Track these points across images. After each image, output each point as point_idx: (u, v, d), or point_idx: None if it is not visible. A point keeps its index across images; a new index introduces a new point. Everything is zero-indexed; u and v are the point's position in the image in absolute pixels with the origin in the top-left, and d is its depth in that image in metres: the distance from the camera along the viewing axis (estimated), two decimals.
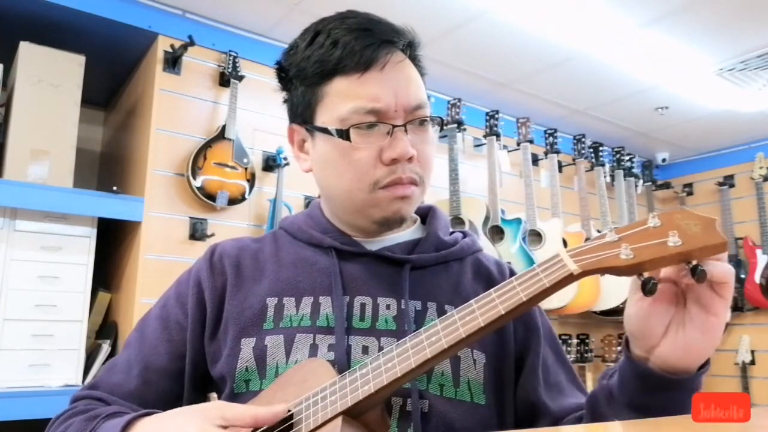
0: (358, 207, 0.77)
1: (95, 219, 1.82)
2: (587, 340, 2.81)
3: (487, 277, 0.83)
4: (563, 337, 2.74)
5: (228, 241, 0.87)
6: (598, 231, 2.86)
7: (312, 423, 0.61)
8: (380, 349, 0.72)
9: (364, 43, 0.72)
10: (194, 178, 1.96)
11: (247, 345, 0.74)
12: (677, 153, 3.52)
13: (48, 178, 1.76)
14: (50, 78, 1.81)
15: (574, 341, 2.75)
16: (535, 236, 2.61)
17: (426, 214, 0.87)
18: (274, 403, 0.65)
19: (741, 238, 3.21)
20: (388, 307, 0.75)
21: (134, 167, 2.06)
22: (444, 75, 2.52)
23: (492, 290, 0.59)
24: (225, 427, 0.58)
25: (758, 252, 3.11)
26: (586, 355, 2.77)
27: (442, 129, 0.80)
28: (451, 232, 0.87)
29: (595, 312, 2.77)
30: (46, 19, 1.91)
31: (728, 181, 3.30)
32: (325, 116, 0.75)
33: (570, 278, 0.55)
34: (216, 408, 0.61)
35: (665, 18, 2.05)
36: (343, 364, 0.70)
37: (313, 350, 0.72)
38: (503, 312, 0.56)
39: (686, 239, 0.52)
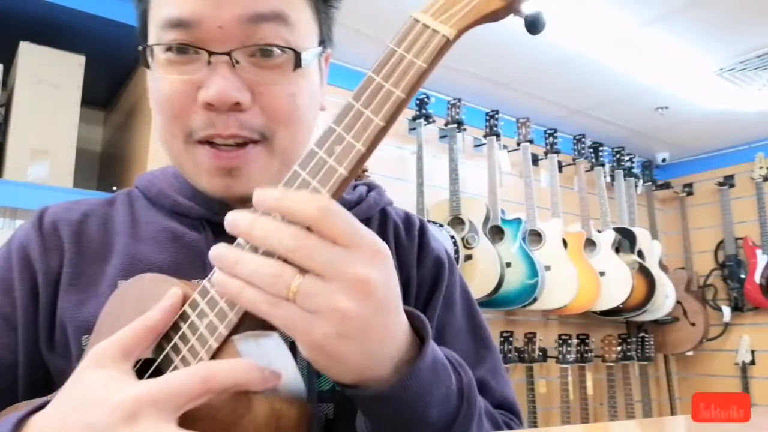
0: (181, 166, 0.59)
1: None
2: (587, 340, 2.81)
3: (395, 234, 0.67)
4: (563, 337, 2.74)
5: (64, 204, 0.66)
6: (599, 231, 2.86)
7: (191, 357, 0.44)
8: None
9: None
10: None
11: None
12: (677, 153, 3.52)
13: (48, 178, 1.76)
14: (50, 78, 1.81)
15: (574, 341, 2.75)
16: (535, 236, 2.61)
17: None
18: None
19: (741, 238, 3.21)
20: None
21: (134, 167, 2.06)
22: (444, 75, 2.51)
23: (352, 100, 0.42)
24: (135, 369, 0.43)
25: (758, 252, 3.11)
26: (586, 355, 2.77)
27: (299, 65, 0.54)
28: (355, 186, 0.70)
29: (595, 312, 2.77)
30: (46, 19, 1.91)
31: (728, 181, 3.29)
32: (150, 33, 0.58)
33: (446, 47, 0.42)
34: (106, 358, 0.42)
35: (665, 18, 2.05)
36: None
37: None
38: (382, 124, 0.41)
39: None
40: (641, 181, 3.39)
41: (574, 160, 3.01)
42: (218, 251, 0.40)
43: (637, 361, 3.03)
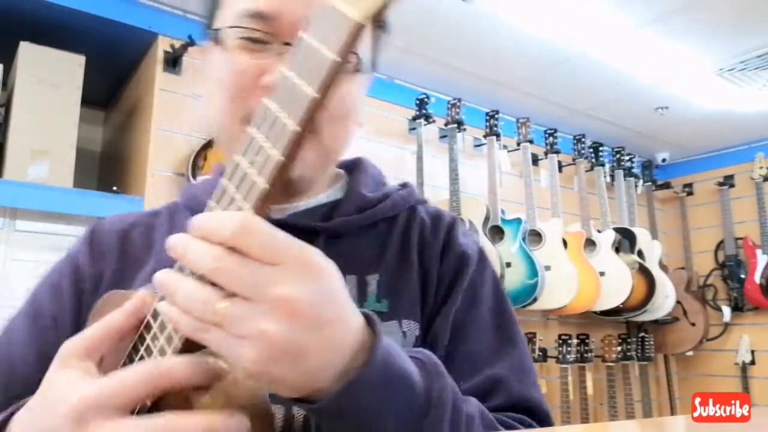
0: (232, 148, 0.56)
1: (95, 219, 1.82)
2: (587, 340, 2.81)
3: (420, 231, 0.67)
4: (563, 337, 2.74)
5: (114, 217, 0.70)
6: (599, 231, 2.86)
7: None
8: None
9: None
10: (194, 178, 1.96)
11: None
12: (677, 153, 3.52)
13: (48, 178, 1.76)
14: (50, 78, 1.81)
15: (574, 341, 2.75)
16: (535, 236, 2.61)
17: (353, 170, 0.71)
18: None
19: (741, 238, 3.21)
20: None
21: (134, 167, 2.06)
22: (444, 75, 2.51)
23: (266, 100, 0.39)
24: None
25: (758, 252, 3.11)
26: (586, 355, 2.77)
27: (359, 69, 0.59)
28: (386, 184, 0.71)
29: (595, 312, 2.77)
30: (46, 19, 1.91)
31: (728, 181, 3.29)
32: (220, 19, 0.60)
33: (359, 32, 0.36)
34: (71, 358, 0.43)
35: (665, 18, 2.05)
36: None
37: None
38: (297, 129, 0.36)
39: None
40: (641, 181, 3.39)
41: (574, 160, 3.01)
42: (161, 277, 0.40)
43: (637, 361, 3.03)
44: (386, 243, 0.65)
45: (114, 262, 0.65)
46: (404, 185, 0.71)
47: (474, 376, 0.57)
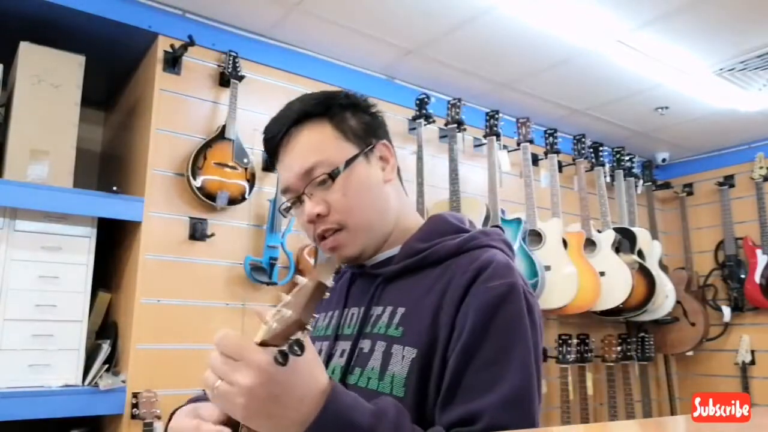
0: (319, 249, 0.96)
1: (95, 219, 1.82)
2: (587, 340, 2.81)
3: (452, 276, 0.79)
4: (563, 337, 2.74)
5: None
6: (599, 231, 2.86)
7: None
8: (348, 350, 0.83)
9: (266, 136, 0.89)
10: (194, 178, 1.96)
11: None
12: (677, 153, 3.52)
13: (48, 178, 1.76)
14: (50, 78, 1.81)
15: (574, 341, 2.75)
16: (535, 236, 2.61)
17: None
18: None
19: (741, 238, 3.21)
20: (356, 315, 0.87)
21: (134, 167, 2.06)
22: (444, 75, 2.51)
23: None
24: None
25: (758, 252, 3.11)
26: (586, 355, 2.77)
27: (333, 178, 0.84)
28: (446, 234, 0.86)
29: (595, 312, 2.77)
30: (46, 19, 1.91)
31: (728, 181, 3.30)
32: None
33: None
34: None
35: (665, 18, 2.05)
36: (325, 363, 0.83)
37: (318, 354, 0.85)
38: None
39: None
40: (641, 181, 3.39)
41: (574, 160, 3.01)
42: (206, 376, 0.63)
43: (637, 361, 3.03)
44: (422, 283, 0.82)
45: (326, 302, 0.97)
46: (480, 233, 0.86)
47: (460, 407, 0.70)
